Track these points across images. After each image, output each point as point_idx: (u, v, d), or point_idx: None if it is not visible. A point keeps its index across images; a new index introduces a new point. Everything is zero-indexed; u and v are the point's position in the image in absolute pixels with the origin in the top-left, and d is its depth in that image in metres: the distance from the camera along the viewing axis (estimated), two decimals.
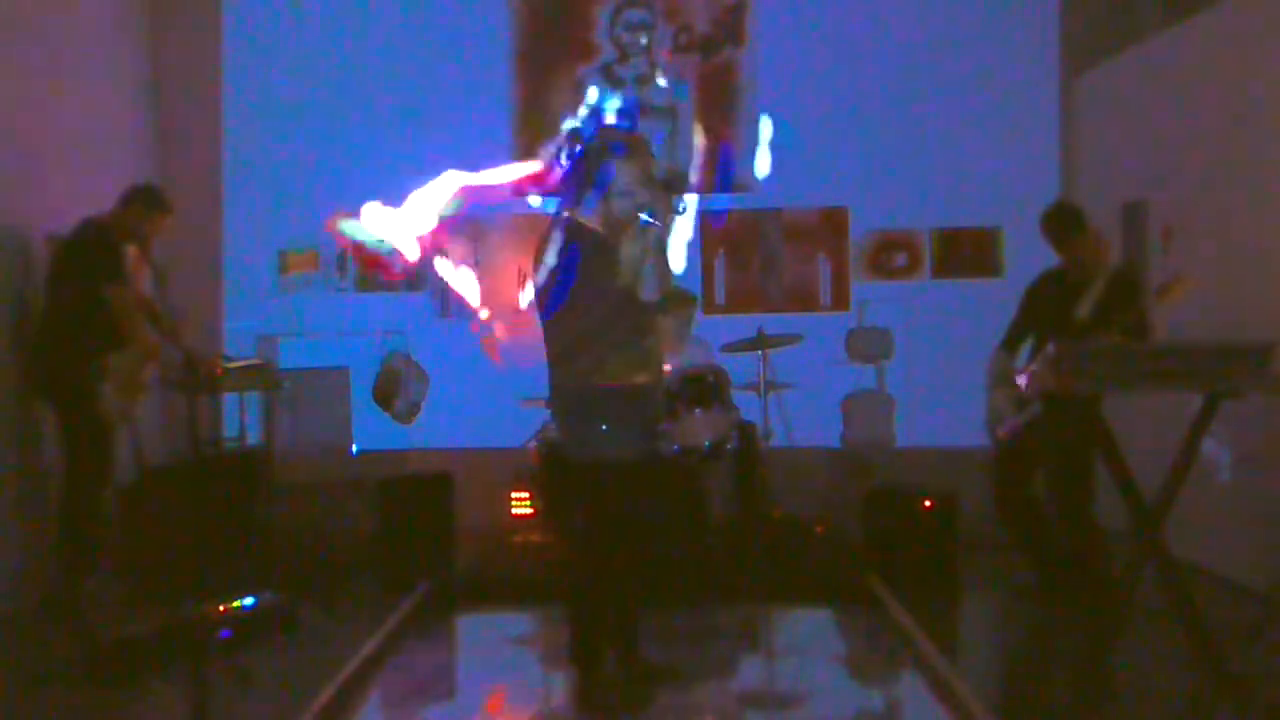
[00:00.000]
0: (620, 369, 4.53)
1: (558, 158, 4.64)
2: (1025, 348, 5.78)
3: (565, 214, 4.61)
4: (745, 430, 6.76)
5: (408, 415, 7.22)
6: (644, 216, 4.50)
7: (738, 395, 6.70)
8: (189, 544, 5.94)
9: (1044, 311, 5.66)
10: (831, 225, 8.15)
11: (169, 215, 6.17)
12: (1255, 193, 5.78)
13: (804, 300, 8.14)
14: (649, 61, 8.18)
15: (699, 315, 7.39)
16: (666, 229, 4.61)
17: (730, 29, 8.16)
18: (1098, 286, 5.45)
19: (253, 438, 7.17)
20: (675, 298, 6.82)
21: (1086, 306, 5.43)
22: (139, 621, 4.85)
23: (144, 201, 6.04)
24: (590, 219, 4.55)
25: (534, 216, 8.07)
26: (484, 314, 6.98)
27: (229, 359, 6.84)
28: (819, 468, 7.71)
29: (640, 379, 4.58)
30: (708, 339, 7.20)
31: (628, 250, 4.50)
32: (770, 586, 6.18)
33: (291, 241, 8.10)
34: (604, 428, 4.49)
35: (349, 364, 7.48)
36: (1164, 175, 6.69)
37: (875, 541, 6.20)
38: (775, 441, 7.11)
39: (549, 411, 4.69)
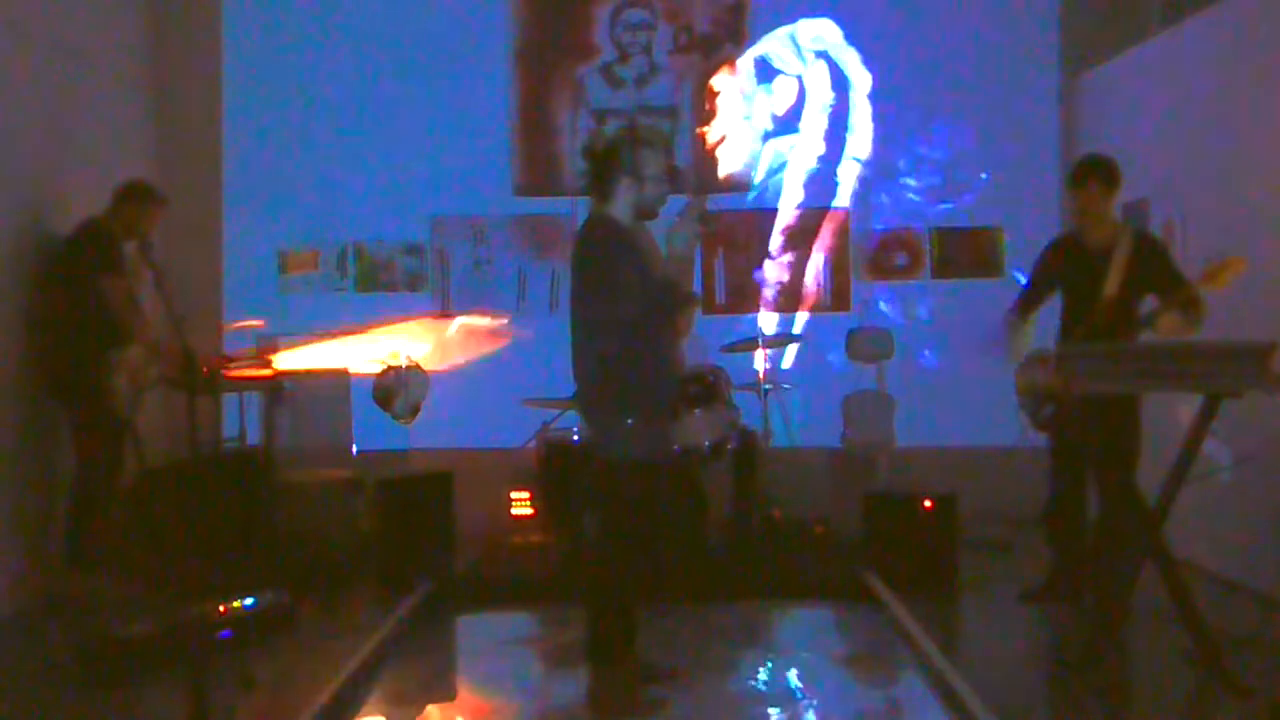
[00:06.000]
0: (652, 366, 4.64)
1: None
2: (1038, 312, 5.69)
3: (597, 212, 4.71)
4: (746, 431, 6.76)
5: (408, 415, 7.21)
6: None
7: (738, 395, 6.70)
8: (189, 544, 5.93)
9: (1070, 283, 5.53)
10: (831, 225, 8.14)
11: (163, 207, 6.22)
12: (1256, 192, 5.77)
13: (804, 300, 8.13)
14: (649, 61, 8.18)
15: (698, 314, 7.40)
16: (698, 234, 4.73)
17: (730, 29, 8.16)
18: (1121, 256, 5.26)
19: (253, 438, 7.17)
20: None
21: (1114, 282, 5.24)
22: (139, 621, 4.86)
23: (137, 197, 6.07)
24: (621, 213, 4.66)
25: (535, 217, 8.10)
26: None
27: (229, 359, 6.84)
28: (819, 468, 7.70)
29: (668, 374, 4.71)
30: (705, 339, 7.19)
31: (674, 246, 4.64)
32: (770, 586, 6.18)
33: (291, 241, 8.10)
34: (631, 423, 4.58)
35: (349, 364, 7.48)
36: (1164, 174, 6.69)
37: (875, 541, 6.20)
38: (775, 441, 7.10)
39: (576, 409, 4.72)
